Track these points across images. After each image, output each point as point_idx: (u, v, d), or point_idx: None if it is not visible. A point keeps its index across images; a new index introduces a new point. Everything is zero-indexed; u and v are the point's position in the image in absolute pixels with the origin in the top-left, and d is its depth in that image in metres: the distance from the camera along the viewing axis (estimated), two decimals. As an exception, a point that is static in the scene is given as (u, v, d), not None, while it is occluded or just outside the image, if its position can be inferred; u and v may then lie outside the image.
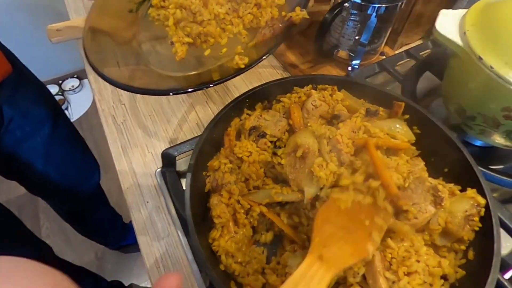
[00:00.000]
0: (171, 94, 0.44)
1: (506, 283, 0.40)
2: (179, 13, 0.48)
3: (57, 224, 1.53)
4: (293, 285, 0.29)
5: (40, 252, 0.90)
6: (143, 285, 1.39)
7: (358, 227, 0.35)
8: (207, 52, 0.49)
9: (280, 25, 0.47)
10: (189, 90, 0.44)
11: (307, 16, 0.47)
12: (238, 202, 0.43)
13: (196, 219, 0.40)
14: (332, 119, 0.47)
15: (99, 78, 0.50)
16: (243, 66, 0.44)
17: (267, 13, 0.49)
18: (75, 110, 2.03)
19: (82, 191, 1.04)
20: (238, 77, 0.72)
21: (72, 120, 1.98)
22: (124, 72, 0.50)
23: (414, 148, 0.45)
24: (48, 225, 1.58)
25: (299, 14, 0.47)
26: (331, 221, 0.36)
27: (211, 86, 0.44)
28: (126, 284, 1.36)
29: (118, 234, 1.40)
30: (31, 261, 0.20)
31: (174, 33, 0.48)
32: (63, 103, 2.01)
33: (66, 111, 2.00)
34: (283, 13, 0.47)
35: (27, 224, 0.91)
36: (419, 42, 0.79)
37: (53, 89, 2.04)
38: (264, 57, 0.44)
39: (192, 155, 0.43)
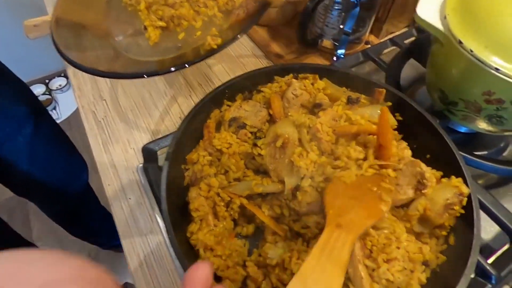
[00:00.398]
0: (144, 76, 0.42)
1: (488, 267, 0.39)
2: None
3: (48, 226, 1.51)
4: (319, 251, 0.30)
5: None
6: (137, 283, 1.38)
7: (367, 194, 0.36)
8: (181, 36, 0.47)
9: (254, 4, 0.46)
10: (160, 73, 0.44)
11: None
12: (218, 194, 0.42)
13: (175, 213, 0.39)
14: (314, 108, 0.47)
15: (79, 73, 0.48)
16: (215, 47, 0.43)
17: None
18: (64, 110, 2.00)
19: (70, 191, 1.02)
20: (221, 68, 0.72)
21: (60, 120, 1.96)
22: (95, 57, 0.48)
23: (396, 133, 0.45)
24: (39, 226, 1.56)
25: None
26: (340, 195, 0.37)
27: (185, 67, 0.43)
28: (121, 283, 1.35)
29: (111, 234, 1.38)
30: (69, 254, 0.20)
31: (147, 17, 0.47)
32: (51, 102, 1.98)
33: (54, 111, 1.97)
34: None
35: (18, 226, 0.90)
36: (404, 30, 0.78)
37: (40, 88, 2.00)
38: (237, 38, 0.43)
39: (170, 144, 0.42)
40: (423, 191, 0.38)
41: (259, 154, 0.43)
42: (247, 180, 0.43)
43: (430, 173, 0.40)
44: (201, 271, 0.23)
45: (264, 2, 0.46)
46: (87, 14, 0.54)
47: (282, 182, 0.41)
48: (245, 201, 0.42)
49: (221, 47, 0.43)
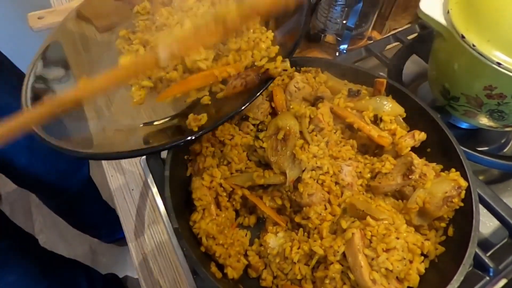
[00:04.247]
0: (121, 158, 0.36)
1: (486, 260, 0.40)
2: (142, 51, 0.42)
3: (50, 218, 1.52)
4: None
5: (24, 245, 0.89)
6: (137, 277, 1.39)
7: None
8: (167, 100, 0.39)
9: (255, 77, 0.36)
10: (146, 152, 0.35)
11: (288, 68, 0.36)
12: (221, 185, 0.42)
13: (178, 203, 0.39)
14: (315, 101, 0.47)
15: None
16: (196, 129, 0.34)
17: (246, 57, 0.39)
18: (66, 104, 2.00)
19: (71, 185, 1.03)
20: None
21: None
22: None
23: (405, 125, 0.46)
24: (41, 219, 1.57)
25: (279, 66, 0.36)
26: None
27: (164, 149, 0.34)
28: (120, 277, 1.36)
29: (112, 227, 1.39)
30: None
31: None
32: (54, 97, 1.98)
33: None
34: (260, 63, 0.37)
35: (20, 219, 0.91)
36: (407, 26, 0.78)
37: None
38: (225, 120, 0.35)
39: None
40: (410, 177, 0.39)
41: (261, 147, 0.43)
42: (249, 172, 0.43)
43: (419, 161, 0.41)
44: None
45: (266, 76, 0.36)
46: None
47: (283, 174, 0.41)
48: (247, 192, 0.42)
49: (203, 129, 0.34)
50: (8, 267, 0.79)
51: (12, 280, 0.77)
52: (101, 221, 1.32)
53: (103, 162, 0.57)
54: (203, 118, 0.34)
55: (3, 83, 0.75)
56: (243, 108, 0.34)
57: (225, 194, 0.42)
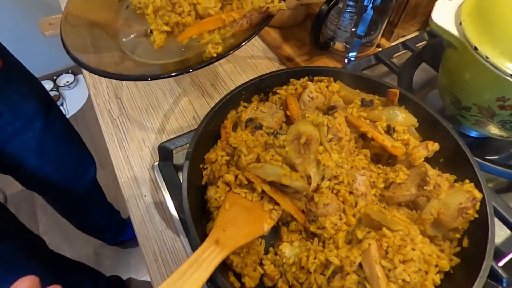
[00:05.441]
0: (148, 79, 0.43)
1: (499, 270, 0.40)
2: (158, 2, 0.48)
3: (55, 220, 1.53)
4: (188, 266, 0.32)
5: (31, 245, 0.90)
6: (142, 279, 1.40)
7: (258, 209, 0.40)
8: (185, 41, 0.49)
9: (258, 15, 0.47)
10: (162, 76, 0.44)
11: (285, 8, 0.47)
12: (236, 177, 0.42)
13: (194, 211, 0.40)
14: (328, 111, 0.47)
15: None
16: (215, 55, 0.44)
17: (247, 4, 0.49)
18: (71, 106, 2.01)
19: (78, 187, 1.03)
20: (234, 70, 0.73)
21: (67, 116, 1.98)
22: (103, 58, 0.49)
23: (418, 135, 0.46)
24: (46, 221, 1.58)
25: (277, 5, 0.46)
26: (237, 203, 0.40)
27: (189, 72, 0.45)
28: (124, 279, 1.36)
29: (116, 230, 1.40)
30: None
31: (153, 21, 0.49)
32: (58, 99, 1.99)
33: (61, 107, 1.99)
34: (261, 4, 0.47)
35: (25, 220, 0.91)
36: (415, 34, 0.79)
37: (48, 85, 2.02)
38: (237, 48, 0.44)
39: (190, 144, 0.43)
40: (425, 188, 0.40)
41: (281, 146, 0.41)
42: (274, 163, 0.41)
43: (433, 172, 0.41)
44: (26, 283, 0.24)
45: (267, 14, 0.47)
46: (97, 12, 0.55)
47: (308, 177, 0.40)
48: (267, 188, 0.40)
49: (221, 55, 0.44)
50: (16, 268, 0.79)
51: None
52: (106, 224, 1.33)
53: (116, 168, 0.58)
54: (220, 47, 0.44)
55: (14, 85, 0.76)
56: (252, 36, 0.44)
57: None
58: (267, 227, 0.39)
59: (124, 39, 0.54)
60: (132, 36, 0.55)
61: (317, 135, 0.41)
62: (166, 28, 0.49)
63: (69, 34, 0.50)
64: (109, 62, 0.49)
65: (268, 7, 0.46)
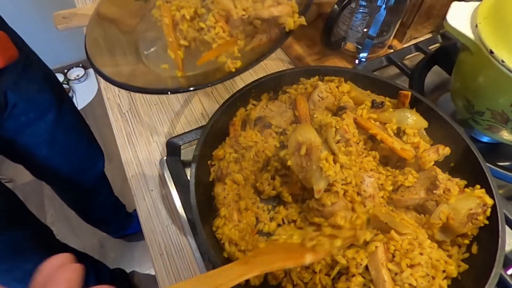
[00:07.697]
0: (168, 93, 0.43)
1: (508, 279, 0.40)
2: (178, 15, 0.47)
3: (62, 212, 1.55)
4: (211, 274, 0.29)
5: (40, 235, 0.91)
6: (145, 272, 1.41)
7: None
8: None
9: (277, 30, 0.46)
10: (181, 90, 0.44)
11: (304, 23, 0.45)
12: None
13: (201, 208, 0.40)
14: (338, 111, 0.47)
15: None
16: (233, 70, 0.43)
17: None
18: (80, 100, 2.04)
19: (86, 179, 1.05)
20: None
21: (77, 110, 2.01)
22: (123, 70, 0.49)
23: (428, 138, 0.46)
24: (53, 212, 1.60)
25: (297, 21, 0.45)
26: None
27: (209, 86, 0.44)
28: (127, 272, 1.38)
29: (121, 223, 1.42)
30: None
31: (170, 34, 0.48)
32: (68, 92, 2.02)
33: (71, 100, 2.01)
34: (282, 20, 0.45)
35: (32, 211, 0.93)
36: (428, 36, 0.78)
37: (58, 78, 2.04)
38: (256, 63, 0.43)
39: (197, 145, 0.43)
40: (434, 192, 0.39)
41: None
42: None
43: (443, 176, 0.40)
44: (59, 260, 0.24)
45: (287, 31, 0.45)
46: (122, 22, 0.54)
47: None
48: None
49: (240, 70, 0.43)
50: (25, 256, 0.81)
51: (29, 268, 0.80)
52: (112, 217, 1.35)
53: (124, 162, 0.58)
54: (239, 61, 0.43)
55: (30, 76, 0.77)
56: (271, 51, 0.43)
57: (248, 197, 0.42)
58: (308, 260, 0.33)
59: (145, 52, 0.54)
60: (150, 49, 0.54)
61: (317, 141, 0.40)
62: (184, 42, 0.48)
63: (93, 44, 0.50)
64: (132, 75, 0.49)
65: (287, 23, 0.45)
